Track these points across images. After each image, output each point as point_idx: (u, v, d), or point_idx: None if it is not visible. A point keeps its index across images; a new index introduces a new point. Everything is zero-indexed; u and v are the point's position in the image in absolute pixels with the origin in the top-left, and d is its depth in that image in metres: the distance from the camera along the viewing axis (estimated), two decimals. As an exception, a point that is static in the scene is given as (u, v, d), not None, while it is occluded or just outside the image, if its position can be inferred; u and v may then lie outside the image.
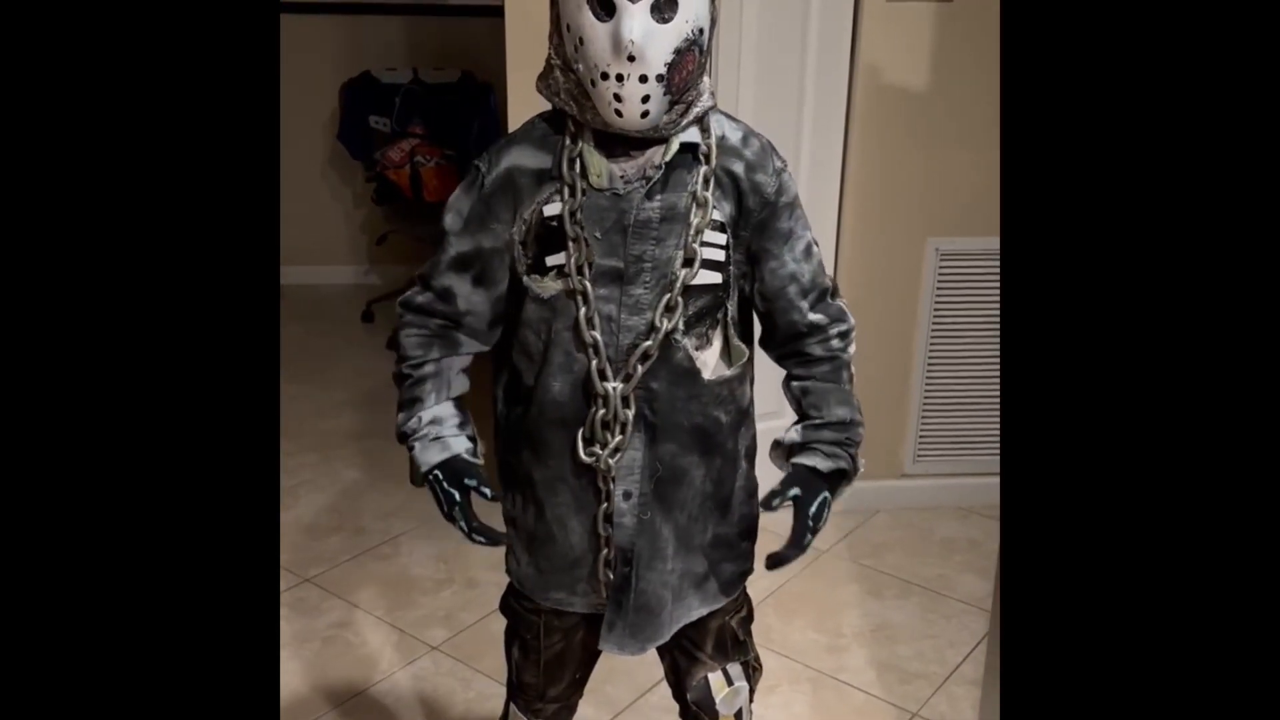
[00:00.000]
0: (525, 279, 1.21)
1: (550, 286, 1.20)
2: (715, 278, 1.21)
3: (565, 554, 1.30)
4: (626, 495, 1.24)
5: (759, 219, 1.23)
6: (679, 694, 1.44)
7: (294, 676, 2.17)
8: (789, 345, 1.30)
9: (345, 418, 3.38)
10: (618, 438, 1.21)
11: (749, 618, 1.42)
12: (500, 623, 1.46)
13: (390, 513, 2.82)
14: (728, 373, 1.26)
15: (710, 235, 1.19)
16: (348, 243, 4.58)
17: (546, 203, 1.19)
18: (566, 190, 1.18)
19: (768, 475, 1.34)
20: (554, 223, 1.19)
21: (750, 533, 1.37)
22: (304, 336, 3.91)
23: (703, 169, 1.19)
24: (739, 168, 1.21)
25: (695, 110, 1.17)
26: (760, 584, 2.38)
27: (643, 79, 1.09)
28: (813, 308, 1.27)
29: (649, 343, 1.19)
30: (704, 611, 1.36)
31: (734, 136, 1.23)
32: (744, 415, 1.31)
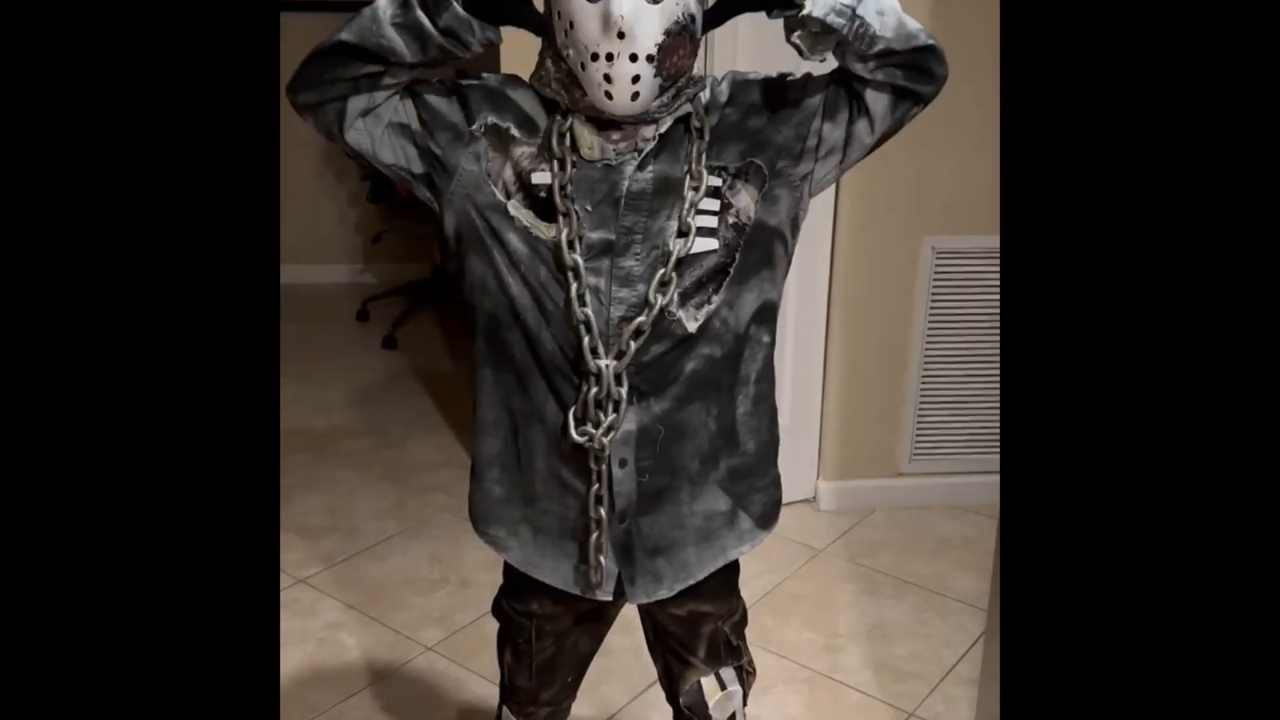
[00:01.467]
0: (510, 204, 1.18)
1: (545, 230, 1.17)
2: (711, 244, 1.19)
3: (558, 524, 1.27)
4: (623, 463, 1.22)
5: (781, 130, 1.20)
6: (672, 698, 1.44)
7: (288, 678, 2.16)
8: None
9: (339, 417, 3.38)
10: (611, 416, 1.18)
11: (742, 621, 1.41)
12: (494, 623, 1.45)
13: (384, 513, 2.81)
14: (714, 304, 1.19)
15: (704, 203, 1.17)
16: (342, 241, 4.58)
17: (533, 170, 1.17)
18: (556, 164, 1.16)
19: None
20: (542, 193, 1.17)
21: (771, 455, 1.33)
22: (299, 335, 3.90)
23: (697, 143, 1.17)
24: (729, 112, 1.20)
25: (686, 92, 1.16)
26: (755, 584, 2.38)
27: (633, 58, 1.08)
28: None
29: (642, 318, 1.16)
30: (745, 549, 1.32)
31: (715, 97, 1.21)
32: (742, 340, 1.23)
